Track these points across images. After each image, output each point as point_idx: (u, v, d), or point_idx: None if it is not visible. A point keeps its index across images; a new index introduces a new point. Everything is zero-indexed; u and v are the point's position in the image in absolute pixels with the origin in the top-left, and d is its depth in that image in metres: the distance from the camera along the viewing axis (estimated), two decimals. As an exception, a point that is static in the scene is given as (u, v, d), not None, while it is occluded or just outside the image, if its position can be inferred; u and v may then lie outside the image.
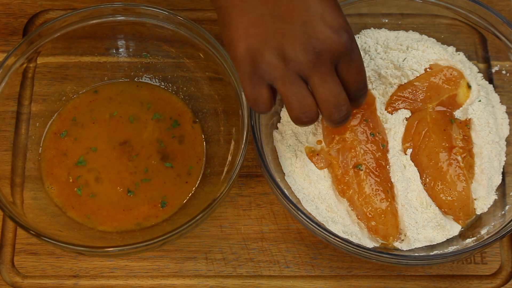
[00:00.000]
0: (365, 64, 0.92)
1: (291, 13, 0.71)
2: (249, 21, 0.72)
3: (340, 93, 0.74)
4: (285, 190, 0.84)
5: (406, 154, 0.87)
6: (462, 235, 0.86)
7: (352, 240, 0.84)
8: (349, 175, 0.85)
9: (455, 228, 0.86)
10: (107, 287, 0.88)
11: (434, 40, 0.94)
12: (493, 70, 0.94)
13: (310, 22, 0.71)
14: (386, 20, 0.96)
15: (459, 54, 0.94)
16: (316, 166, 0.87)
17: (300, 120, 0.74)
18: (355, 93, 0.75)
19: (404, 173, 0.86)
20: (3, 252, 0.90)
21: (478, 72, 0.93)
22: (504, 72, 0.93)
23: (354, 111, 0.86)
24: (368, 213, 0.84)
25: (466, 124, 0.88)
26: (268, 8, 0.71)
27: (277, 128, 0.90)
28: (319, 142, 0.88)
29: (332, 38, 0.71)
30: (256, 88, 0.74)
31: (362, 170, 0.85)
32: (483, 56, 0.95)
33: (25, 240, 0.90)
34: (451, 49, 0.94)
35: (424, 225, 0.85)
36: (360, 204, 0.84)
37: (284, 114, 0.91)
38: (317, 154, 0.87)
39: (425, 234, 0.85)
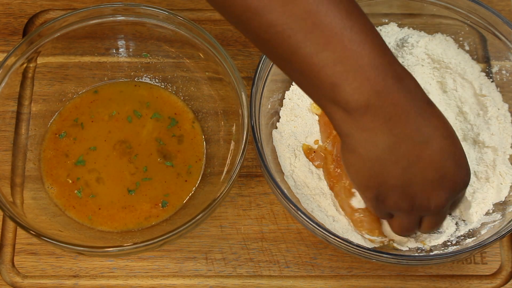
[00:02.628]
0: None
1: (430, 164, 0.71)
2: (384, 171, 0.72)
3: (442, 222, 0.81)
4: (285, 190, 0.84)
5: None
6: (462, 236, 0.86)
7: (352, 240, 0.84)
8: (341, 168, 0.85)
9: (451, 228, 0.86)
10: (107, 287, 0.88)
11: (439, 35, 0.94)
12: (493, 70, 0.94)
13: (443, 168, 0.72)
14: (386, 20, 0.96)
15: (463, 51, 0.94)
16: (313, 164, 0.87)
17: (403, 235, 0.82)
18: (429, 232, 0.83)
19: None
20: (3, 252, 0.90)
21: (481, 71, 0.93)
22: (504, 72, 0.93)
23: None
24: (353, 205, 0.84)
25: None
26: (405, 160, 0.71)
27: (276, 128, 0.90)
28: (316, 141, 0.88)
29: (461, 183, 0.75)
30: (381, 212, 0.78)
31: None
32: (483, 56, 0.95)
33: (25, 240, 0.90)
34: (455, 45, 0.94)
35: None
36: (346, 196, 0.84)
37: (284, 113, 0.91)
38: (314, 152, 0.87)
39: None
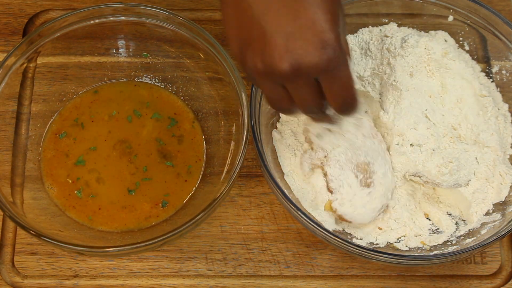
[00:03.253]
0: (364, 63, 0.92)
1: (279, 19, 0.69)
2: (239, 21, 0.71)
3: (313, 100, 0.74)
4: (285, 190, 0.84)
5: None
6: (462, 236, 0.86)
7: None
8: None
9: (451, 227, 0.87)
10: (107, 287, 0.88)
11: (442, 32, 0.94)
12: (493, 70, 0.94)
13: (293, 35, 0.69)
14: (386, 20, 0.96)
15: (463, 51, 0.94)
16: (305, 165, 0.87)
17: (278, 110, 0.78)
18: (340, 107, 0.75)
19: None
20: (3, 252, 0.90)
21: (481, 71, 0.93)
22: (504, 72, 0.93)
23: None
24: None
25: None
26: (260, 9, 0.69)
27: (276, 128, 0.90)
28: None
29: (311, 54, 0.69)
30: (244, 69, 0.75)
31: None
32: (483, 56, 0.95)
33: (25, 240, 0.90)
34: (455, 45, 0.94)
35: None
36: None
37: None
38: (304, 152, 0.87)
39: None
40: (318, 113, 0.76)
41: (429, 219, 0.88)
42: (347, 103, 0.74)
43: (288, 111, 0.76)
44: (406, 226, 0.87)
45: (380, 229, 0.86)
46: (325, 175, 0.86)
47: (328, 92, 0.73)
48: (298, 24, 0.69)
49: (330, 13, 0.69)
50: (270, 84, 0.73)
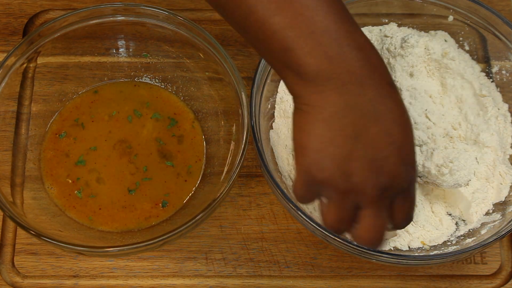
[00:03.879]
0: None
1: (373, 142, 0.67)
2: (327, 135, 0.67)
3: (383, 230, 0.71)
4: (285, 190, 0.84)
5: None
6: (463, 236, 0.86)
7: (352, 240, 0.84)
8: None
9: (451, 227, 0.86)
10: (107, 287, 0.88)
11: (442, 32, 0.94)
12: (493, 70, 0.94)
13: (387, 158, 0.67)
14: (386, 20, 0.96)
15: (463, 51, 0.94)
16: None
17: (331, 229, 0.73)
18: (400, 225, 0.73)
19: None
20: (3, 252, 0.90)
21: (481, 71, 0.93)
22: (504, 72, 0.93)
23: None
24: None
25: None
26: (350, 128, 0.67)
27: (272, 128, 0.90)
28: None
29: (401, 176, 0.68)
30: (308, 196, 0.71)
31: None
32: (483, 56, 0.95)
33: (25, 240, 0.90)
34: (455, 45, 0.94)
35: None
36: None
37: (278, 114, 0.90)
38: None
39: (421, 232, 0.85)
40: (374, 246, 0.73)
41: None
42: (408, 221, 0.73)
43: (340, 233, 0.73)
44: (424, 229, 0.87)
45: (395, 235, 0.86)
46: None
47: (397, 212, 0.71)
48: (391, 148, 0.67)
49: (410, 130, 0.69)
50: (344, 208, 0.69)
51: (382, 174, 0.67)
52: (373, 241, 0.71)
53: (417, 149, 0.86)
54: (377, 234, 0.70)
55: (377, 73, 0.68)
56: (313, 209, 0.86)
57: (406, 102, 0.87)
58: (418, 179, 0.86)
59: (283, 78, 0.69)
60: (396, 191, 0.69)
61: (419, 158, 0.85)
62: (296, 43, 0.66)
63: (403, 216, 0.71)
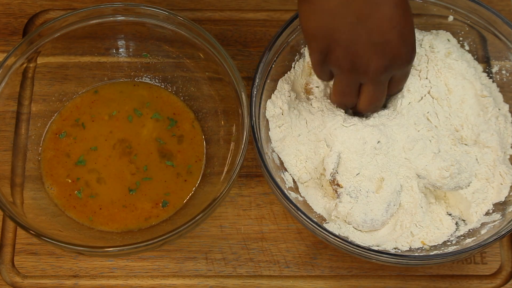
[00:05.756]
0: None
1: (376, 27, 0.74)
2: (333, 23, 0.75)
3: (383, 98, 0.83)
4: (285, 190, 0.84)
5: None
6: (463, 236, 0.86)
7: (352, 240, 0.84)
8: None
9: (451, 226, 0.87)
10: (107, 287, 0.88)
11: (444, 32, 0.94)
12: (493, 70, 0.94)
13: (390, 42, 0.75)
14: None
15: (465, 51, 0.94)
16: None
17: (339, 105, 0.85)
18: (393, 94, 0.86)
19: None
20: (3, 252, 0.90)
21: (483, 71, 0.93)
22: (504, 72, 0.93)
23: None
24: None
25: None
26: (354, 16, 0.74)
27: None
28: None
29: (402, 57, 0.77)
30: (323, 74, 0.82)
31: None
32: (483, 56, 0.95)
33: (25, 240, 0.90)
34: (457, 45, 0.94)
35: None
36: None
37: (272, 119, 0.90)
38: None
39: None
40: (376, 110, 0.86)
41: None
42: (400, 90, 0.86)
43: (346, 106, 0.85)
44: (424, 229, 0.87)
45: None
46: (335, 183, 0.86)
47: (394, 84, 0.82)
48: (392, 24, 0.75)
49: (409, 13, 0.77)
50: (349, 82, 0.80)
51: (384, 56, 0.76)
52: (372, 108, 0.84)
53: (419, 150, 0.86)
54: (376, 103, 0.82)
55: None
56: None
57: (405, 102, 0.87)
58: (420, 180, 0.86)
59: None
60: (395, 69, 0.78)
61: (422, 161, 0.85)
62: None
63: (398, 88, 0.84)
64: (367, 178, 0.85)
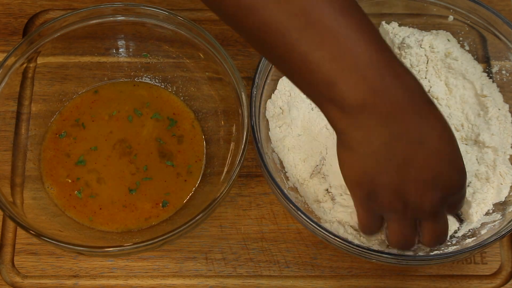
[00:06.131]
0: None
1: (424, 164, 0.69)
2: (378, 168, 0.70)
3: (446, 228, 0.77)
4: (285, 190, 0.84)
5: None
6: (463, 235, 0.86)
7: (352, 240, 0.84)
8: None
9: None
10: (107, 287, 0.88)
11: (444, 32, 0.94)
12: (493, 70, 0.94)
13: (440, 175, 0.70)
14: (387, 20, 0.96)
15: (465, 51, 0.94)
16: None
17: (400, 248, 0.78)
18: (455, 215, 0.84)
19: None
20: (3, 252, 0.90)
21: (483, 71, 0.93)
22: (504, 72, 0.93)
23: None
24: None
25: None
26: (400, 157, 0.69)
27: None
28: None
29: (455, 185, 0.72)
30: (373, 227, 0.76)
31: None
32: (483, 56, 0.95)
33: (25, 240, 0.90)
34: (457, 46, 0.94)
35: None
36: None
37: (271, 119, 0.90)
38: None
39: None
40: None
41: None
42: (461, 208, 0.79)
43: (406, 248, 0.79)
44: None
45: None
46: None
47: (451, 210, 0.77)
48: (441, 164, 0.70)
49: (453, 139, 0.72)
50: (406, 225, 0.74)
51: (437, 188, 0.71)
52: (440, 242, 0.77)
53: None
54: (441, 236, 0.76)
55: (416, 96, 0.69)
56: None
57: None
58: None
59: (325, 113, 0.70)
60: (451, 197, 0.73)
61: None
62: (340, 76, 0.66)
63: (455, 211, 0.78)
64: None
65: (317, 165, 0.86)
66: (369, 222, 0.76)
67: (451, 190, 0.72)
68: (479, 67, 0.93)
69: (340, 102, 0.67)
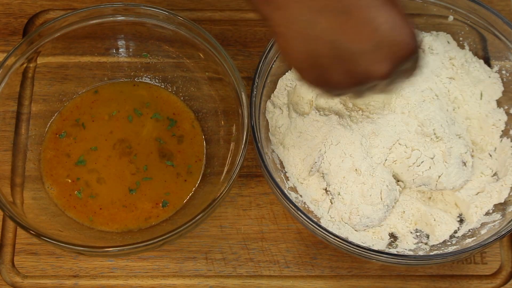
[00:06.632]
0: None
1: (353, 32, 0.65)
2: (309, 43, 0.66)
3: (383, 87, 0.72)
4: (285, 190, 0.84)
5: None
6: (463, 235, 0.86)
7: (352, 240, 0.84)
8: None
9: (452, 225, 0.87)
10: (107, 287, 0.88)
11: (445, 33, 0.94)
12: (493, 70, 0.94)
13: (380, 43, 0.65)
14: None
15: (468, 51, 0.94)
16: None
17: (333, 96, 0.75)
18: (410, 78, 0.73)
19: None
20: (3, 252, 0.90)
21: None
22: (504, 72, 0.93)
23: None
24: None
25: None
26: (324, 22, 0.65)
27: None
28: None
29: (405, 50, 0.66)
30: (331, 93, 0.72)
31: None
32: (483, 56, 0.95)
33: (25, 240, 0.90)
34: (457, 48, 0.94)
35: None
36: None
37: (270, 119, 0.90)
38: None
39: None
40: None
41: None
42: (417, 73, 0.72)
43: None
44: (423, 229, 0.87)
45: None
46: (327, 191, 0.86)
47: (405, 76, 0.71)
48: (379, 33, 0.65)
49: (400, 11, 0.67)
50: (364, 90, 0.70)
51: (381, 60, 0.66)
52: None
53: (418, 155, 0.86)
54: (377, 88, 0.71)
55: None
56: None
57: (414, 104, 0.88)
58: (424, 187, 0.86)
59: (253, 6, 0.67)
60: (403, 65, 0.68)
61: (422, 168, 0.86)
62: None
63: (409, 78, 0.71)
64: (359, 178, 0.85)
65: (316, 162, 0.86)
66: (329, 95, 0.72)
67: (401, 55, 0.66)
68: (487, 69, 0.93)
69: None
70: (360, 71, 0.67)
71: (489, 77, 0.92)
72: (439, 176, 0.85)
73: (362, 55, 0.66)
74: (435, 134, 0.87)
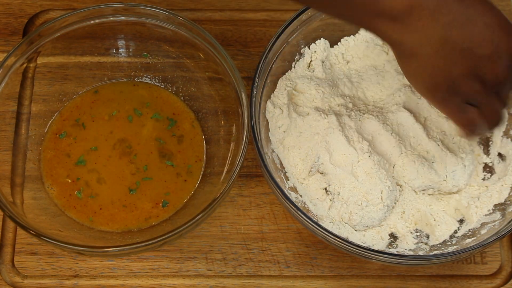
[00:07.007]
0: None
1: (475, 35, 0.72)
2: (441, 64, 0.72)
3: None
4: (285, 190, 0.84)
5: None
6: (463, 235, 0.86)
7: (352, 240, 0.84)
8: None
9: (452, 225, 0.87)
10: (107, 287, 0.88)
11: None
12: (493, 70, 0.94)
13: (499, 43, 0.72)
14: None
15: None
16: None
17: (495, 125, 0.79)
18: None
19: None
20: (3, 252, 0.90)
21: None
22: (504, 72, 0.93)
23: None
24: None
25: None
26: (458, 44, 0.71)
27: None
28: None
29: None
30: (460, 112, 0.76)
31: None
32: (483, 56, 0.95)
33: (25, 240, 0.90)
34: None
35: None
36: None
37: (270, 119, 0.90)
38: None
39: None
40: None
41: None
42: None
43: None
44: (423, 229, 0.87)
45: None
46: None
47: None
48: (495, 41, 0.72)
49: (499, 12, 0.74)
50: (492, 102, 0.75)
51: (502, 57, 0.72)
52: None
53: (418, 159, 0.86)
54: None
55: None
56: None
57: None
58: (431, 190, 0.87)
59: (377, 31, 0.72)
60: None
61: (423, 170, 0.86)
62: None
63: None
64: (359, 178, 0.85)
65: (316, 162, 0.86)
66: (462, 118, 0.77)
67: None
68: None
69: (389, 12, 0.70)
70: (487, 72, 0.73)
71: None
72: (442, 179, 0.85)
73: (487, 59, 0.72)
74: (437, 136, 0.87)
